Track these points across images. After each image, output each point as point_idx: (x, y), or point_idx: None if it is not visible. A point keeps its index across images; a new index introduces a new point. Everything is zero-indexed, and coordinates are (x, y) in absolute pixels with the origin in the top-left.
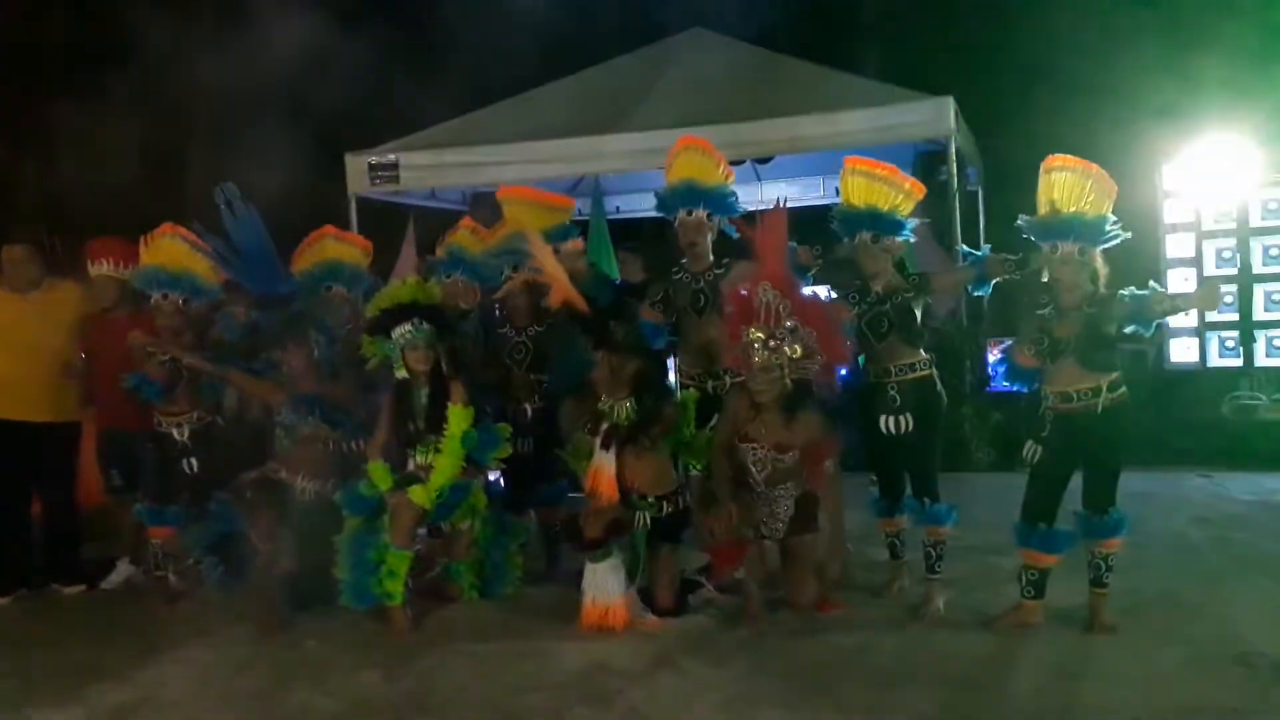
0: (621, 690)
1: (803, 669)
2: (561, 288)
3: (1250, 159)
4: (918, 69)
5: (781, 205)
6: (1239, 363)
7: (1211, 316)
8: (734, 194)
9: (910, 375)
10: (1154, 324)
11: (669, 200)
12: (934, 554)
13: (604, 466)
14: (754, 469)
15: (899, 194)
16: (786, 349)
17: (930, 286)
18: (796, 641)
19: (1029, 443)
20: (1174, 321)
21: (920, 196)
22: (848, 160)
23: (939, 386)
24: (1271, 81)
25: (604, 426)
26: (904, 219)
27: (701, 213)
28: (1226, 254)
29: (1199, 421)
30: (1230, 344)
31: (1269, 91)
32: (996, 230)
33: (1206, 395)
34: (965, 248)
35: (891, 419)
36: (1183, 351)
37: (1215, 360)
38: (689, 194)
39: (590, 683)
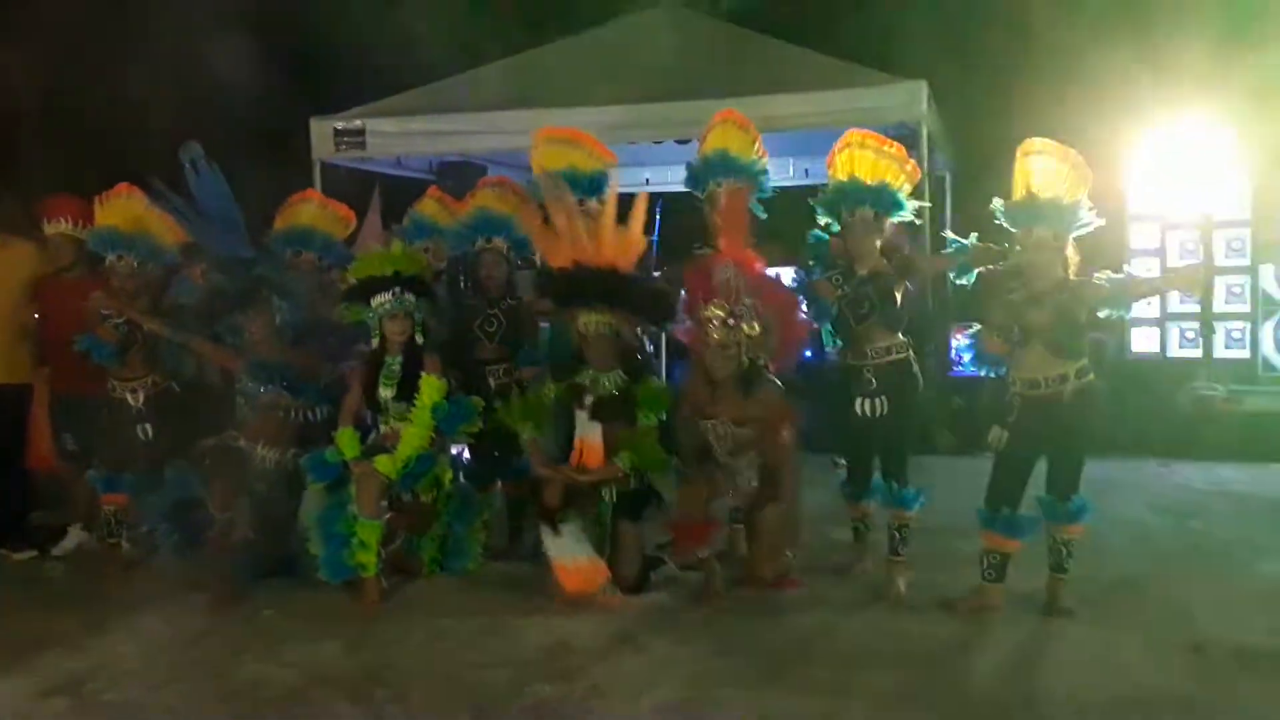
0: (583, 667)
1: (765, 648)
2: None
3: (1216, 152)
4: (887, 52)
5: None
6: (1198, 354)
7: (1173, 307)
8: (766, 171)
9: (887, 358)
10: (1130, 308)
11: (700, 172)
12: (898, 536)
13: (590, 438)
14: (715, 444)
15: (902, 174)
16: (745, 326)
17: (914, 270)
18: (759, 621)
19: (995, 427)
20: (1136, 310)
21: (917, 179)
22: (854, 132)
23: (915, 369)
24: (1240, 75)
25: (589, 399)
26: (905, 200)
27: (733, 184)
28: (1189, 245)
29: (1157, 411)
30: (1190, 335)
31: (1237, 85)
32: (962, 217)
33: (1165, 385)
34: (951, 235)
35: (867, 401)
36: (1144, 341)
37: (1175, 351)
38: (723, 165)
39: (552, 659)
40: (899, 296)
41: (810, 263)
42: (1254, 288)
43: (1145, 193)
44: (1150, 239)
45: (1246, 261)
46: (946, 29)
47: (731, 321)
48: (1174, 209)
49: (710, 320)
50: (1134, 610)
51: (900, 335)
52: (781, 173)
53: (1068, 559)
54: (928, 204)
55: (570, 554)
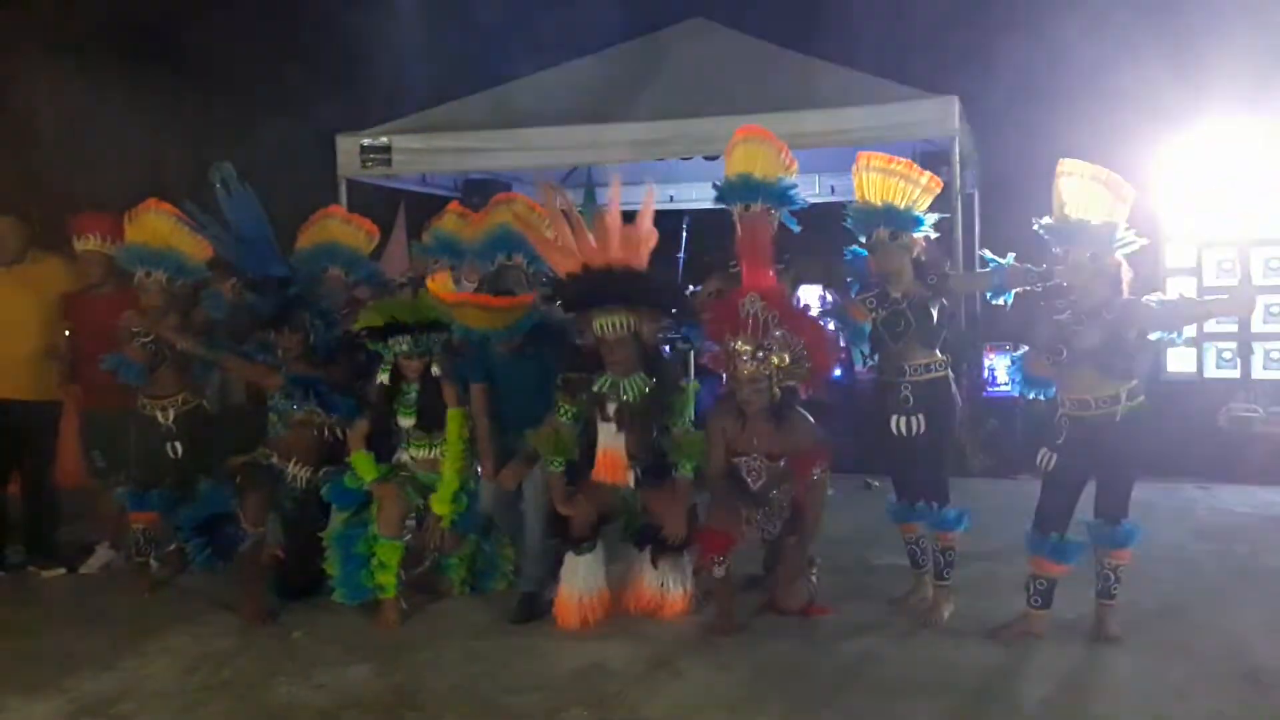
0: (621, 692)
1: (806, 675)
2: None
3: (1253, 169)
4: (917, 68)
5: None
6: (1236, 374)
7: (1210, 327)
8: (794, 185)
9: (925, 376)
10: (1181, 331)
11: (726, 194)
12: (943, 560)
13: (613, 450)
14: (749, 479)
15: (916, 189)
16: (774, 358)
17: (949, 288)
18: (798, 646)
19: (1044, 450)
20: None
21: (938, 190)
22: (861, 155)
23: (953, 389)
24: (1276, 90)
25: (613, 407)
26: (922, 215)
27: (759, 208)
28: (1226, 265)
29: (1195, 433)
30: (1228, 355)
31: (1273, 100)
32: (991, 233)
33: (1203, 406)
34: (989, 254)
35: (903, 419)
36: (1180, 362)
37: (1212, 371)
38: (745, 189)
39: (587, 683)
40: (935, 314)
41: (849, 280)
42: None
43: (1180, 212)
44: (1186, 258)
45: None
46: (976, 45)
47: (760, 355)
48: (1210, 228)
49: (739, 355)
50: (1183, 637)
51: (938, 353)
52: (808, 189)
53: (1115, 584)
54: (947, 215)
55: (580, 587)
